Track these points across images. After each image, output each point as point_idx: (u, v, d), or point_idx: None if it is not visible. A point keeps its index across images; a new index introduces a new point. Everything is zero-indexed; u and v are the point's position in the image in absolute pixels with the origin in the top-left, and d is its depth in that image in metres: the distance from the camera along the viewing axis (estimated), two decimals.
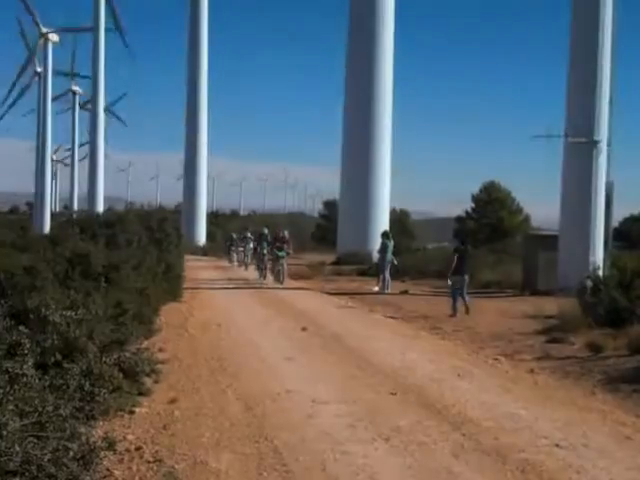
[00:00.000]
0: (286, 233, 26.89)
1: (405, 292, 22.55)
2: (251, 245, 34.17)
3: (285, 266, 25.70)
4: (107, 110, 66.14)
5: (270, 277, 26.65)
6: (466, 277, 17.61)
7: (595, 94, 21.90)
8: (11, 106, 72.89)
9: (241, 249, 36.45)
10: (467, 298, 17.44)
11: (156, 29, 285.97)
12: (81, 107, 77.63)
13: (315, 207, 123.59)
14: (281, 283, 24.89)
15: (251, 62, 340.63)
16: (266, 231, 29.38)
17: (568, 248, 21.95)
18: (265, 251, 27.96)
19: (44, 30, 63.24)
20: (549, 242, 22.96)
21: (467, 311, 16.99)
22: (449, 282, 17.27)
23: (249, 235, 35.49)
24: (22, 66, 69.37)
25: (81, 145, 78.38)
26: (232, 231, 43.22)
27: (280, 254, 25.42)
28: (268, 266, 27.39)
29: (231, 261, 38.47)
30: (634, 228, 52.46)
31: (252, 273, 30.07)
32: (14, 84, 71.12)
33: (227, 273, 32.21)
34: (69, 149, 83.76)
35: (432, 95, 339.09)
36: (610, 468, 6.41)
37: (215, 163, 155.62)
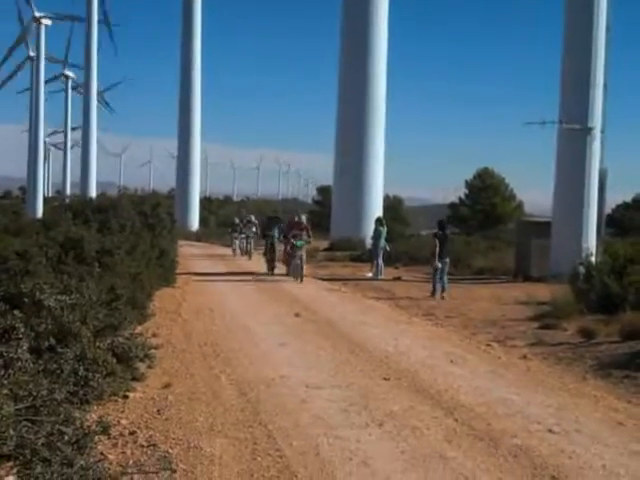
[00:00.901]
0: (303, 218, 22.73)
1: (398, 278, 22.59)
2: (254, 230, 31.11)
3: (304, 258, 21.72)
4: (99, 96, 65.68)
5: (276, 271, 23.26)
6: (447, 260, 18.56)
7: (589, 81, 21.90)
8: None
9: (243, 236, 32.68)
10: (445, 281, 18.45)
11: (151, 14, 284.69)
12: (74, 89, 77.16)
13: (309, 193, 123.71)
14: (300, 281, 20.64)
15: (246, 48, 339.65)
16: (277, 215, 25.69)
17: (561, 235, 22.00)
18: (275, 240, 23.97)
19: (37, 14, 62.89)
20: (542, 229, 23.02)
21: (443, 292, 18.16)
22: (438, 265, 18.17)
23: (253, 219, 32.17)
24: (10, 47, 68.95)
25: (74, 129, 77.98)
26: (233, 215, 40.00)
27: (298, 244, 21.24)
28: (279, 258, 23.57)
29: (233, 249, 34.32)
30: (627, 215, 52.62)
31: (256, 264, 26.71)
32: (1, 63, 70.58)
33: (228, 264, 28.24)
34: (63, 130, 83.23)
35: (427, 81, 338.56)
36: (602, 454, 6.45)
37: (209, 149, 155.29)
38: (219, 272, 24.13)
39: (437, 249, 18.29)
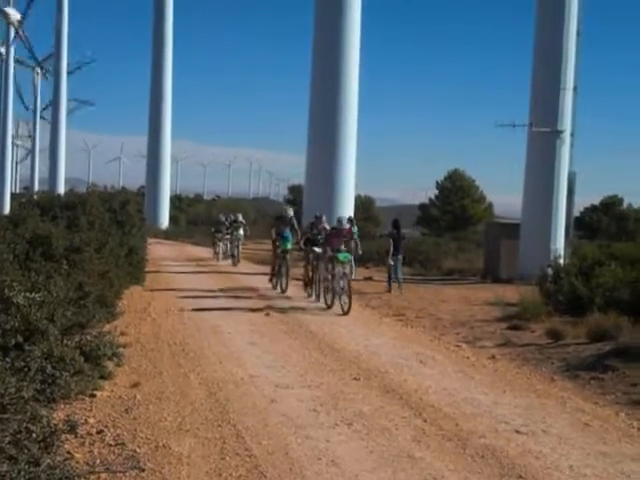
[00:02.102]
0: (344, 221, 17.00)
1: (369, 278, 22.63)
2: (241, 232, 27.92)
3: (352, 271, 16.97)
4: (71, 72, 64.20)
5: (301, 294, 17.72)
6: (399, 257, 19.84)
7: (559, 84, 22.11)
8: None
9: (229, 237, 28.83)
10: (400, 276, 19.76)
11: (122, 11, 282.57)
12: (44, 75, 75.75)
13: (280, 192, 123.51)
14: (346, 312, 14.60)
15: (218, 45, 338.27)
16: (291, 212, 19.25)
17: (530, 236, 22.20)
18: (289, 246, 18.71)
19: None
20: (511, 230, 23.22)
21: (399, 288, 19.30)
22: (391, 262, 19.55)
23: (240, 219, 29.05)
24: None
25: (42, 116, 76.51)
26: (217, 213, 36.33)
27: (342, 258, 15.28)
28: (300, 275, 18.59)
29: (216, 252, 30.12)
30: (595, 218, 53.24)
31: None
32: None
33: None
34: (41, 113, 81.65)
35: (398, 81, 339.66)
36: (569, 454, 6.51)
37: (179, 146, 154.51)
38: (209, 289, 18.52)
39: (391, 247, 19.56)
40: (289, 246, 18.75)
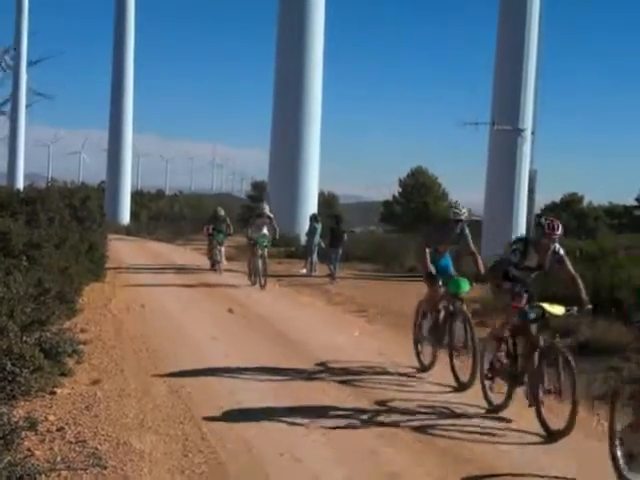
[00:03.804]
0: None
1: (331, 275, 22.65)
2: (249, 232, 19.53)
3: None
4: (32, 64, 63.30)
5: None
6: (339, 251, 21.32)
7: (521, 84, 22.36)
8: None
9: (222, 238, 22.32)
10: (337, 268, 21.16)
11: (83, 5, 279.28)
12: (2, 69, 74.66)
13: (243, 188, 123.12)
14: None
15: (182, 38, 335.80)
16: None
17: (491, 233, 22.44)
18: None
19: None
20: (473, 227, 23.35)
21: (333, 277, 20.63)
22: (332, 255, 21.08)
23: (222, 214, 22.92)
24: None
25: (2, 111, 75.43)
26: (214, 206, 27.07)
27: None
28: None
29: (214, 260, 22.42)
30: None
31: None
32: None
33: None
34: None
35: (362, 78, 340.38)
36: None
37: (141, 140, 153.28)
38: (171, 284, 17.95)
39: (329, 240, 21.26)
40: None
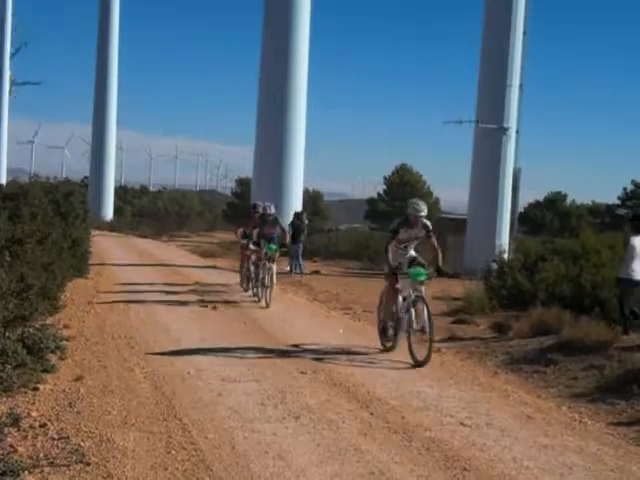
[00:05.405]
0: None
1: (316, 272, 22.68)
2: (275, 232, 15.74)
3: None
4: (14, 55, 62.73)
5: None
6: (300, 245, 22.64)
7: (505, 82, 22.42)
8: None
9: (254, 247, 15.80)
10: (301, 262, 22.68)
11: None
12: None
13: (227, 185, 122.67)
14: None
15: (167, 33, 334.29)
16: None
17: (475, 232, 22.51)
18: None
19: None
20: (457, 225, 23.49)
21: (300, 271, 22.18)
22: (294, 248, 22.18)
23: (272, 210, 15.88)
24: None
25: None
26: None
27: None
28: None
29: (246, 276, 16.86)
30: (539, 213, 54.08)
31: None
32: None
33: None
34: None
35: (348, 76, 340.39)
36: (512, 446, 6.61)
37: (125, 136, 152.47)
38: (152, 282, 17.24)
39: (290, 235, 21.26)
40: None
